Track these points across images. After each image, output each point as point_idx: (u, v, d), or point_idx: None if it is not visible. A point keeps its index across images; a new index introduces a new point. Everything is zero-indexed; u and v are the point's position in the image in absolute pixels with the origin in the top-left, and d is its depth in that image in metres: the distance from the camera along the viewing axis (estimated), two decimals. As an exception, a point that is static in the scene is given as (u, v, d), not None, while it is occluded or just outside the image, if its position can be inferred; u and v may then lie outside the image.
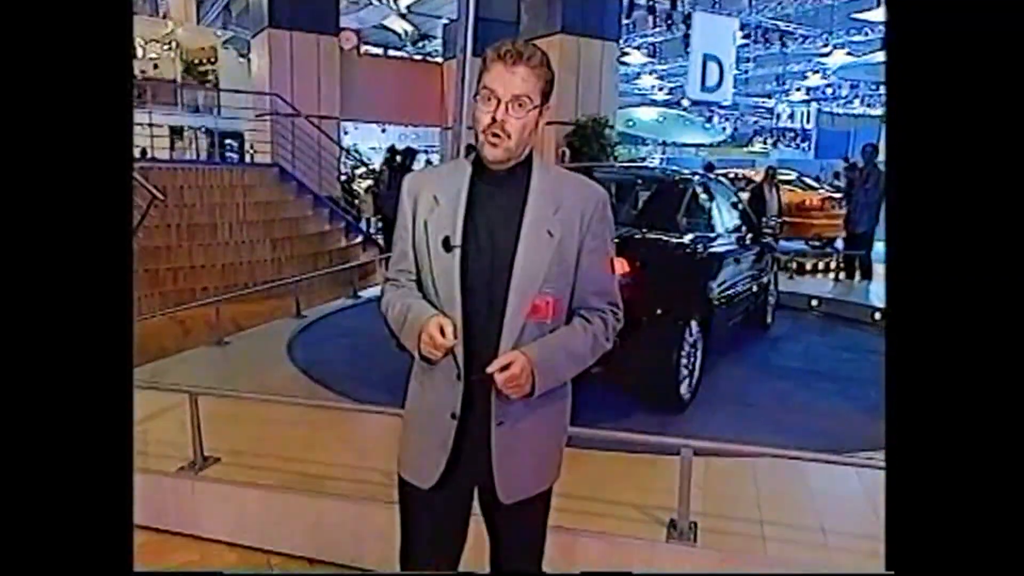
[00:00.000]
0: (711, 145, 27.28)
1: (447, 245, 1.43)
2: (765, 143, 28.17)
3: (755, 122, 28.40)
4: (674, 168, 6.55)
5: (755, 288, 5.07)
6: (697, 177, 4.91)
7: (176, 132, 16.22)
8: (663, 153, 26.10)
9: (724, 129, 28.03)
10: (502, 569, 1.65)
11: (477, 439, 1.49)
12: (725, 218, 4.74)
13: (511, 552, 1.64)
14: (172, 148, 14.58)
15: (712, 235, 4.44)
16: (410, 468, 1.57)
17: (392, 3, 17.06)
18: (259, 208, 8.13)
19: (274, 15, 10.36)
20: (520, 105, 1.37)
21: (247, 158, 13.55)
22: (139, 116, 11.50)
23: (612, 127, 10.63)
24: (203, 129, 17.82)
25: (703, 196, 4.60)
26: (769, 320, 5.66)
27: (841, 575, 2.22)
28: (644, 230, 3.82)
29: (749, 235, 5.02)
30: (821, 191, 10.80)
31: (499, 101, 1.37)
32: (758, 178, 9.47)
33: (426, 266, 1.49)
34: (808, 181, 11.41)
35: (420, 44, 21.05)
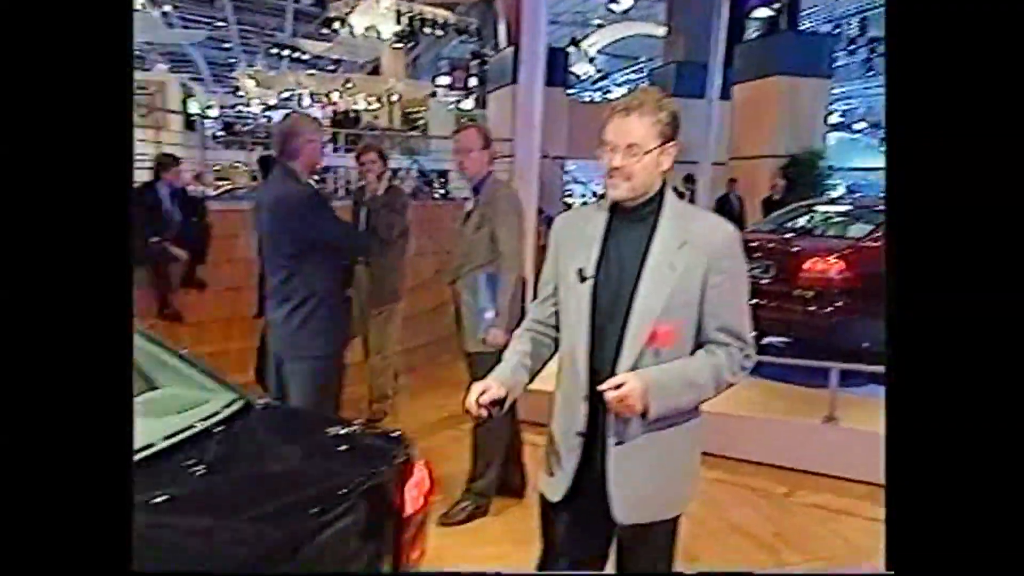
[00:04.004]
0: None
1: (581, 276, 1.55)
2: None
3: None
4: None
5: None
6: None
7: (394, 172, 18.67)
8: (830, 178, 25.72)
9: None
10: None
11: (600, 458, 1.56)
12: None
13: None
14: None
15: None
16: (543, 480, 1.68)
17: (583, 50, 18.69)
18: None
19: (516, 73, 12.11)
20: (633, 154, 1.49)
21: (448, 193, 15.49)
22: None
23: (824, 158, 11.31)
24: (415, 170, 20.35)
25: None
26: None
27: (841, 575, 2.43)
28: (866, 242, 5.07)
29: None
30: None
31: (615, 149, 1.49)
32: None
33: (564, 296, 1.62)
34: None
35: (597, 84, 22.61)
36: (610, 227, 1.57)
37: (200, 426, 1.56)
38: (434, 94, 22.12)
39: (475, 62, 20.32)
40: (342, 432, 1.55)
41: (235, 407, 1.69)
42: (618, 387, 1.42)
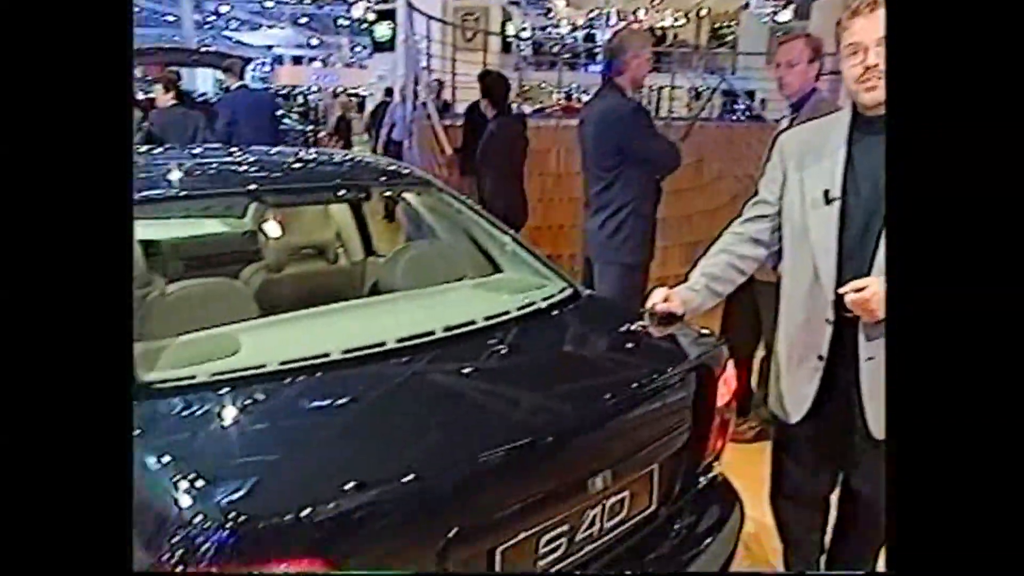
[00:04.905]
0: None
1: (827, 198, 1.49)
2: None
3: None
4: None
5: None
6: None
7: (695, 92, 17.97)
8: None
9: None
10: (858, 510, 1.70)
11: (845, 378, 1.54)
12: None
13: (870, 499, 1.64)
14: (689, 107, 16.31)
15: None
16: (777, 403, 1.71)
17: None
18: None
19: (851, -24, 10.65)
20: None
21: (753, 113, 14.40)
22: (662, 79, 13.25)
23: None
24: (720, 88, 19.43)
25: None
26: None
27: (841, 574, 2.09)
28: None
29: None
30: None
31: (867, 49, 1.39)
32: None
33: (797, 220, 1.55)
34: None
35: None
36: (851, 141, 1.49)
37: (543, 304, 1.85)
38: (747, 6, 20.47)
39: (799, -34, 18.22)
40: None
41: (567, 293, 1.95)
42: (859, 291, 1.41)
